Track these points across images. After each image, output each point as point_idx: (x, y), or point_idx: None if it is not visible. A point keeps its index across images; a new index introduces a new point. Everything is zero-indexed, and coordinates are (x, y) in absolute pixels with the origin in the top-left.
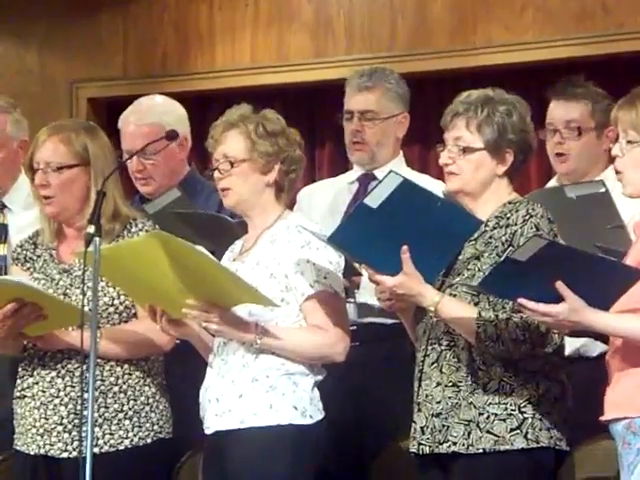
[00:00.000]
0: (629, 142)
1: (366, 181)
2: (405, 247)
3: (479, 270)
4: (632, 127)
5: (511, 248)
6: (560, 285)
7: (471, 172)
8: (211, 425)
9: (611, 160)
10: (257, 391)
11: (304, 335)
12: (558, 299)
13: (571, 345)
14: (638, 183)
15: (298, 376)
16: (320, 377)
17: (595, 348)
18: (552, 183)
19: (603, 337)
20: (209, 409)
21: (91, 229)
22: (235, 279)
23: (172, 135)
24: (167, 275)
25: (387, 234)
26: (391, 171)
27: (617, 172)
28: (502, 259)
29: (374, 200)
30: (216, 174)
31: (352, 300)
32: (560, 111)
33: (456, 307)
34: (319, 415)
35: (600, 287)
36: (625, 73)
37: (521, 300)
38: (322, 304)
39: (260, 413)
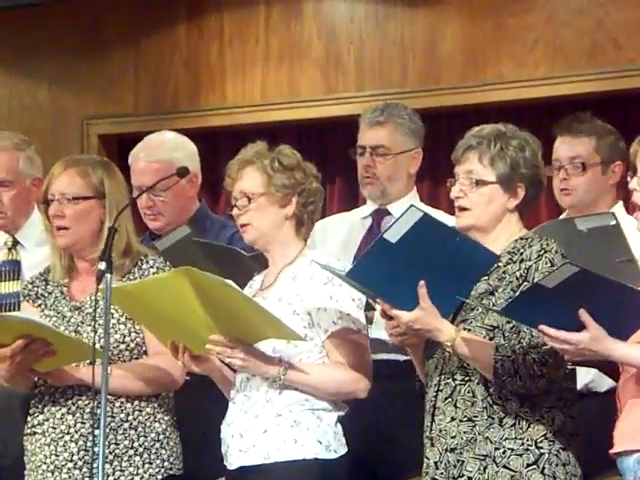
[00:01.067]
0: None
1: (379, 216)
2: (422, 282)
3: (493, 305)
4: None
5: (526, 283)
6: (583, 313)
7: (483, 206)
8: (235, 461)
9: (619, 195)
10: (281, 426)
11: (328, 371)
12: (579, 326)
13: (580, 381)
14: None
15: (322, 411)
16: (342, 412)
17: (604, 384)
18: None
19: (608, 369)
20: (232, 444)
21: (102, 266)
22: (263, 312)
23: (183, 172)
24: (192, 310)
25: (404, 269)
26: (412, 205)
27: (636, 207)
28: (529, 285)
29: (394, 235)
30: (235, 211)
31: None
32: (565, 148)
33: (473, 343)
34: (343, 450)
35: (622, 316)
36: (636, 109)
37: (542, 327)
38: (345, 341)
39: (285, 448)
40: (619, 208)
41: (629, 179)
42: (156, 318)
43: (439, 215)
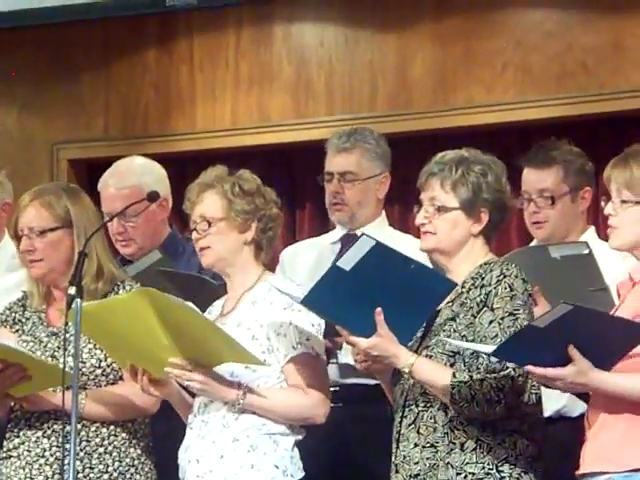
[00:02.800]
0: (623, 202)
1: (348, 241)
2: (379, 309)
3: (454, 331)
4: (626, 187)
5: (485, 309)
6: (572, 349)
7: (447, 231)
8: None
9: (588, 221)
10: (238, 451)
11: (287, 396)
12: (564, 359)
13: (552, 406)
14: (630, 238)
15: (279, 435)
16: (300, 437)
17: (576, 408)
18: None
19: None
20: (189, 470)
21: (72, 290)
22: (223, 335)
23: (153, 196)
24: (152, 333)
25: (361, 296)
26: (363, 234)
27: (611, 227)
28: (522, 327)
29: (347, 263)
30: (194, 235)
31: (334, 361)
32: (532, 179)
33: (430, 368)
34: (299, 474)
35: (610, 344)
36: (606, 133)
37: (529, 368)
38: (304, 366)
39: (241, 473)
40: (591, 234)
41: (603, 204)
42: (115, 340)
43: (407, 240)
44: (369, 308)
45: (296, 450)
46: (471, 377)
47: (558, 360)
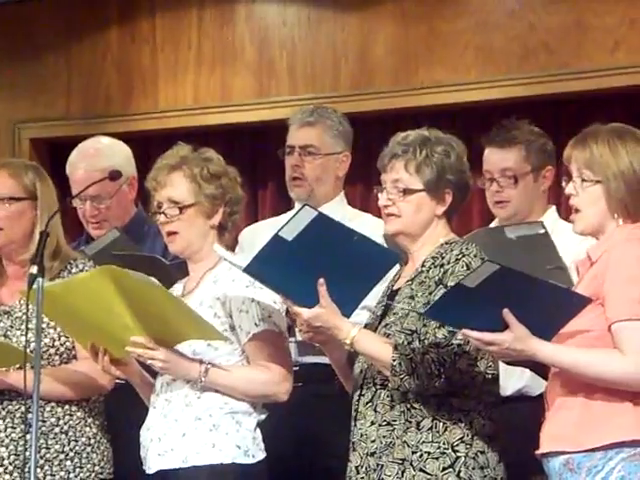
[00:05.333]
0: (584, 180)
1: None
2: (321, 280)
3: (412, 309)
4: (586, 166)
5: (441, 286)
6: (507, 313)
7: (411, 214)
8: (153, 465)
9: (549, 200)
10: (200, 430)
11: (249, 373)
12: (504, 326)
13: (513, 385)
14: (592, 221)
15: (241, 415)
16: (262, 416)
17: (537, 388)
18: (494, 225)
19: (540, 369)
20: (151, 448)
21: (34, 269)
22: (186, 310)
23: (115, 175)
24: (113, 311)
25: (304, 266)
26: (305, 204)
27: (575, 210)
28: (450, 286)
29: (289, 233)
30: (162, 218)
31: (293, 339)
32: (495, 159)
33: (372, 341)
34: (261, 455)
35: (547, 314)
36: (568, 113)
37: (465, 331)
38: (266, 343)
39: (203, 452)
40: (552, 213)
41: (564, 184)
42: (76, 320)
43: (367, 219)
44: (312, 279)
45: (258, 430)
46: (413, 350)
47: (498, 327)
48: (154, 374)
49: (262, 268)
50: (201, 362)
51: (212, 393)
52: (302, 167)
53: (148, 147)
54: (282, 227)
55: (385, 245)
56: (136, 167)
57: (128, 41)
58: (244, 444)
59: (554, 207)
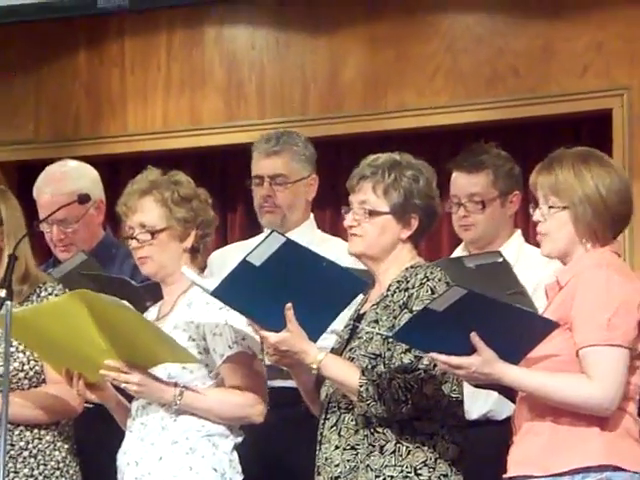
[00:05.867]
0: (550, 207)
1: None
2: (289, 304)
3: (377, 333)
4: (552, 192)
5: (405, 310)
6: (474, 336)
7: (375, 236)
8: None
9: (516, 224)
10: (177, 453)
11: (223, 396)
12: (472, 350)
13: (479, 409)
14: (559, 245)
15: (218, 438)
16: (239, 439)
17: (502, 412)
18: (459, 249)
19: (508, 393)
20: (128, 472)
21: (2, 293)
22: (159, 334)
23: (84, 199)
24: (87, 335)
25: (272, 291)
26: (273, 230)
27: (541, 234)
28: (419, 309)
29: (257, 258)
30: (134, 243)
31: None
32: (462, 184)
33: (339, 366)
34: (238, 477)
35: (515, 338)
36: (536, 137)
37: (433, 354)
38: (240, 365)
39: (180, 475)
40: (518, 237)
41: (531, 211)
42: (50, 345)
43: (336, 243)
44: (280, 303)
45: (235, 453)
46: (380, 375)
47: (464, 350)
48: (130, 398)
49: (230, 292)
50: (175, 385)
51: (188, 416)
52: (274, 197)
53: (117, 170)
54: (250, 252)
55: (353, 271)
56: (106, 190)
57: (97, 64)
58: (221, 467)
59: (519, 231)
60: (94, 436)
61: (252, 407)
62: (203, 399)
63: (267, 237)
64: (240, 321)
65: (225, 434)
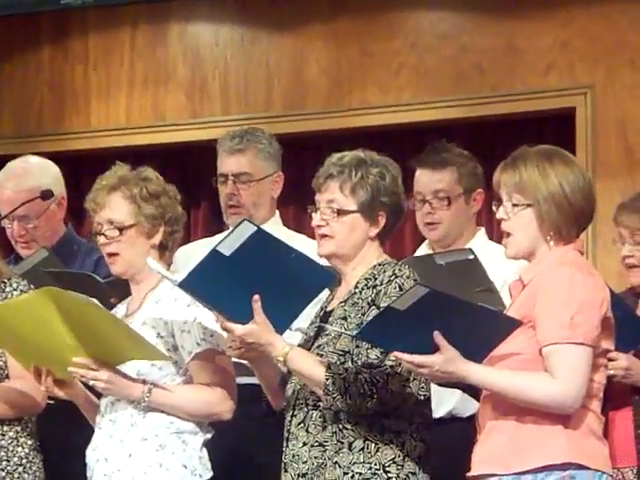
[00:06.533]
0: (515, 205)
1: None
2: (257, 296)
3: (346, 330)
4: (516, 190)
5: (373, 307)
6: (437, 335)
7: (345, 235)
8: None
9: (479, 222)
10: (147, 450)
11: (192, 392)
12: (435, 349)
13: (443, 407)
14: (524, 245)
15: (187, 435)
16: (209, 435)
17: (467, 409)
18: (423, 247)
19: (472, 391)
20: (97, 469)
21: None
22: (129, 332)
23: (47, 195)
24: (56, 332)
25: (240, 282)
26: (244, 219)
27: (506, 234)
28: (381, 309)
29: (227, 248)
30: (102, 239)
31: None
32: (427, 180)
33: (305, 359)
34: (208, 474)
35: (478, 336)
36: (500, 135)
37: (396, 353)
38: (209, 362)
39: (150, 472)
40: (482, 235)
41: (495, 208)
42: (18, 342)
43: (301, 240)
44: (247, 295)
45: (205, 450)
46: (346, 370)
47: (427, 349)
48: (99, 395)
49: (198, 283)
50: (144, 382)
51: (157, 413)
52: (238, 195)
53: (80, 166)
54: (220, 242)
55: (322, 264)
56: (68, 186)
57: (61, 60)
58: (191, 464)
59: (483, 229)
60: (59, 432)
61: (221, 404)
62: (172, 396)
63: (238, 226)
64: (208, 318)
65: (194, 431)
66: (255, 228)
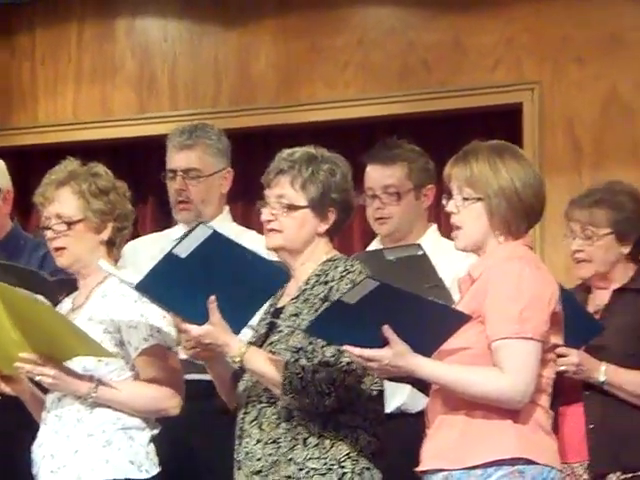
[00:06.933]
0: (465, 198)
1: None
2: (213, 297)
3: (298, 327)
4: (467, 184)
5: (327, 303)
6: (386, 329)
7: (294, 230)
8: None
9: (429, 218)
10: (93, 446)
11: (139, 388)
12: (385, 343)
13: (393, 402)
14: (473, 238)
15: (134, 430)
16: (156, 431)
17: (416, 405)
18: (374, 243)
19: (421, 386)
20: (43, 465)
21: None
22: (74, 329)
23: None
24: (1, 328)
25: (196, 284)
26: (201, 222)
27: (455, 227)
28: (331, 302)
29: (183, 250)
30: (49, 233)
31: None
32: (377, 176)
33: (262, 359)
34: (155, 470)
35: (428, 330)
36: (447, 131)
37: (346, 347)
38: (156, 358)
39: (96, 468)
40: (433, 232)
41: (444, 202)
42: None
43: (251, 236)
44: (203, 296)
45: (152, 446)
46: (303, 368)
47: (377, 343)
48: (45, 390)
49: (154, 285)
50: (91, 378)
51: (104, 409)
52: (187, 191)
53: (27, 162)
54: (176, 244)
55: (275, 262)
56: (15, 182)
57: (7, 55)
58: (137, 459)
59: (435, 226)
60: (4, 429)
61: (168, 400)
62: (118, 392)
63: (194, 229)
64: (155, 314)
65: (141, 427)
66: (211, 231)
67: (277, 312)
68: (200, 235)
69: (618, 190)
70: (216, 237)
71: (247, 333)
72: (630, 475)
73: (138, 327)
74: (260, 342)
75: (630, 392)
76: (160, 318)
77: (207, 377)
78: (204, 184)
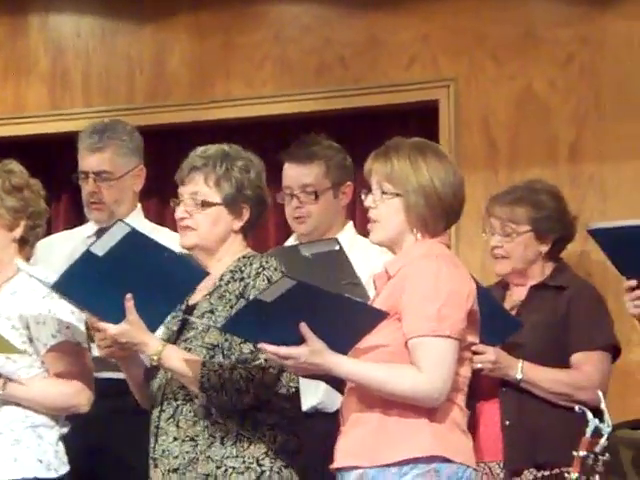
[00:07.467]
0: (384, 193)
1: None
2: (129, 295)
3: (213, 323)
4: (387, 179)
5: (242, 300)
6: (303, 326)
7: (208, 227)
8: None
9: (348, 215)
10: (1, 444)
11: (48, 385)
12: (302, 341)
13: (308, 401)
14: (389, 232)
15: (43, 429)
16: (65, 430)
17: (333, 404)
18: (291, 240)
19: (335, 383)
20: None
21: None
22: None
23: None
24: None
25: (113, 282)
26: (119, 220)
27: (372, 221)
28: (248, 300)
29: (100, 248)
30: None
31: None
32: (295, 175)
33: (180, 357)
34: (64, 469)
35: (344, 328)
36: (364, 128)
37: (262, 345)
38: (65, 354)
39: (4, 467)
40: (350, 228)
41: (363, 197)
42: None
43: (163, 233)
44: (120, 294)
45: (61, 444)
46: (221, 366)
47: (294, 341)
48: None
49: (70, 284)
50: None
51: (13, 407)
52: (99, 193)
53: None
54: (94, 243)
55: (192, 262)
56: None
57: None
58: (46, 458)
59: (351, 223)
60: None
61: (77, 396)
62: (27, 389)
63: (112, 226)
64: (64, 310)
65: (50, 425)
66: (129, 229)
67: (190, 309)
68: (117, 233)
69: (539, 188)
70: (134, 235)
71: (158, 330)
72: (547, 473)
73: (46, 323)
74: (173, 339)
75: (546, 389)
76: (69, 314)
77: (120, 375)
78: (116, 186)
